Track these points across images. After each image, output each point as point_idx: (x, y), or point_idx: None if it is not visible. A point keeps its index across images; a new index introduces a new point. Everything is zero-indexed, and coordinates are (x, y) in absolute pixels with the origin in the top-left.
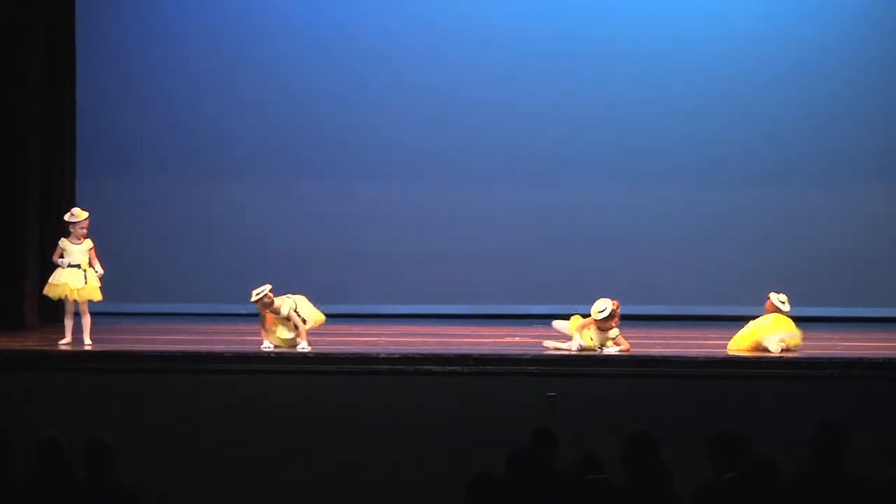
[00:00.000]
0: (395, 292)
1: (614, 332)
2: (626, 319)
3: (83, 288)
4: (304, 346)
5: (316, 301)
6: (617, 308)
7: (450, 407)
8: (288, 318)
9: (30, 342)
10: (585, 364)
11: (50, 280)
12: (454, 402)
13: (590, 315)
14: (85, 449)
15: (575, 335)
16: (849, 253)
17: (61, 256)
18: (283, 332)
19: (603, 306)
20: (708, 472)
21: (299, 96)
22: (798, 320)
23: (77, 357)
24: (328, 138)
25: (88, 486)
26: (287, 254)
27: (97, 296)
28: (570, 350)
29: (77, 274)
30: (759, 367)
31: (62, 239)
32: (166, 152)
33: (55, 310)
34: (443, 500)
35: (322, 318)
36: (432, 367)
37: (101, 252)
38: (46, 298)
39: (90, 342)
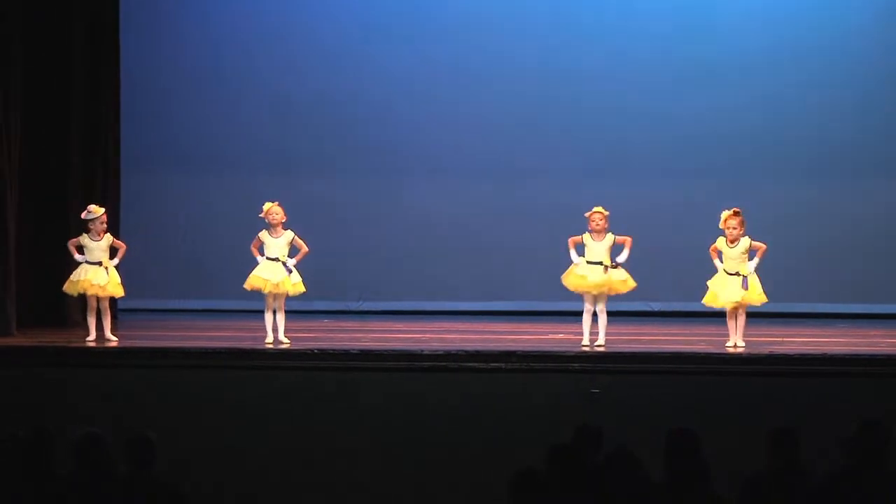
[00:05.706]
0: (438, 289)
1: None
2: (669, 316)
3: (105, 284)
4: (291, 262)
5: (359, 298)
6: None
7: (493, 404)
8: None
9: (73, 339)
10: (629, 361)
11: (71, 277)
12: (497, 398)
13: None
14: (127, 445)
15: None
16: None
17: (80, 253)
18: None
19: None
20: (756, 467)
21: (335, 96)
22: (819, 317)
23: (122, 353)
24: (366, 137)
25: (129, 482)
26: (328, 252)
27: (119, 292)
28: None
29: (99, 271)
30: (802, 363)
31: (82, 235)
32: (201, 150)
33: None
34: (486, 496)
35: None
36: (476, 364)
37: (143, 249)
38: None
39: (112, 338)
